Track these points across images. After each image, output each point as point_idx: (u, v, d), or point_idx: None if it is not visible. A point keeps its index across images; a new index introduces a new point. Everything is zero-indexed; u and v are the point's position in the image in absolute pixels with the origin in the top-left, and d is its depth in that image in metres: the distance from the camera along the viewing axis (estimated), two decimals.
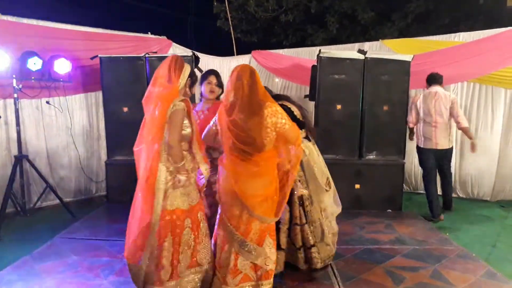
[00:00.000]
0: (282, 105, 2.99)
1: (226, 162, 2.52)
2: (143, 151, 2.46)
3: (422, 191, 5.90)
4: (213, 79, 3.21)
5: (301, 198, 2.98)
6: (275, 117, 2.42)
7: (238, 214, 2.49)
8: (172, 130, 2.38)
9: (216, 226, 2.68)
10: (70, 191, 5.45)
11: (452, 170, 5.68)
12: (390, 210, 4.96)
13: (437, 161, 4.69)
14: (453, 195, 5.68)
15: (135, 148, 2.52)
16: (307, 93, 5.54)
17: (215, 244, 2.68)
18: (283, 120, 2.45)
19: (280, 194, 2.57)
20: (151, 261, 2.45)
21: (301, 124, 3.07)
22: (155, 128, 2.39)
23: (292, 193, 2.89)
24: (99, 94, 5.42)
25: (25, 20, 4.85)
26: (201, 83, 3.23)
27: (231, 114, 2.39)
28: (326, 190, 3.07)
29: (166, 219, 2.43)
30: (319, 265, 2.98)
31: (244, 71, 2.44)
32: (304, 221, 2.97)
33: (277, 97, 3.05)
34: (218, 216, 2.65)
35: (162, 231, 2.43)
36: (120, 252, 3.54)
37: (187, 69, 2.55)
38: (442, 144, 4.60)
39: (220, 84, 3.26)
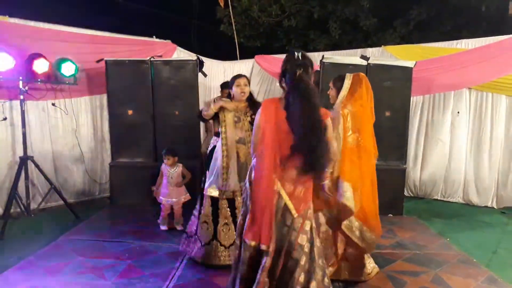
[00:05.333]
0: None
1: None
2: None
3: (423, 196, 5.95)
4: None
5: None
6: None
7: None
8: None
9: None
10: (74, 192, 5.49)
11: (455, 176, 5.73)
12: (391, 215, 4.97)
13: None
14: (455, 201, 5.74)
15: None
16: None
17: None
18: None
19: None
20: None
21: None
22: None
23: None
24: (104, 96, 5.47)
25: (32, 23, 4.91)
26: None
27: None
28: None
29: None
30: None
31: None
32: None
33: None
34: None
35: None
36: (124, 253, 3.58)
37: None
38: None
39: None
